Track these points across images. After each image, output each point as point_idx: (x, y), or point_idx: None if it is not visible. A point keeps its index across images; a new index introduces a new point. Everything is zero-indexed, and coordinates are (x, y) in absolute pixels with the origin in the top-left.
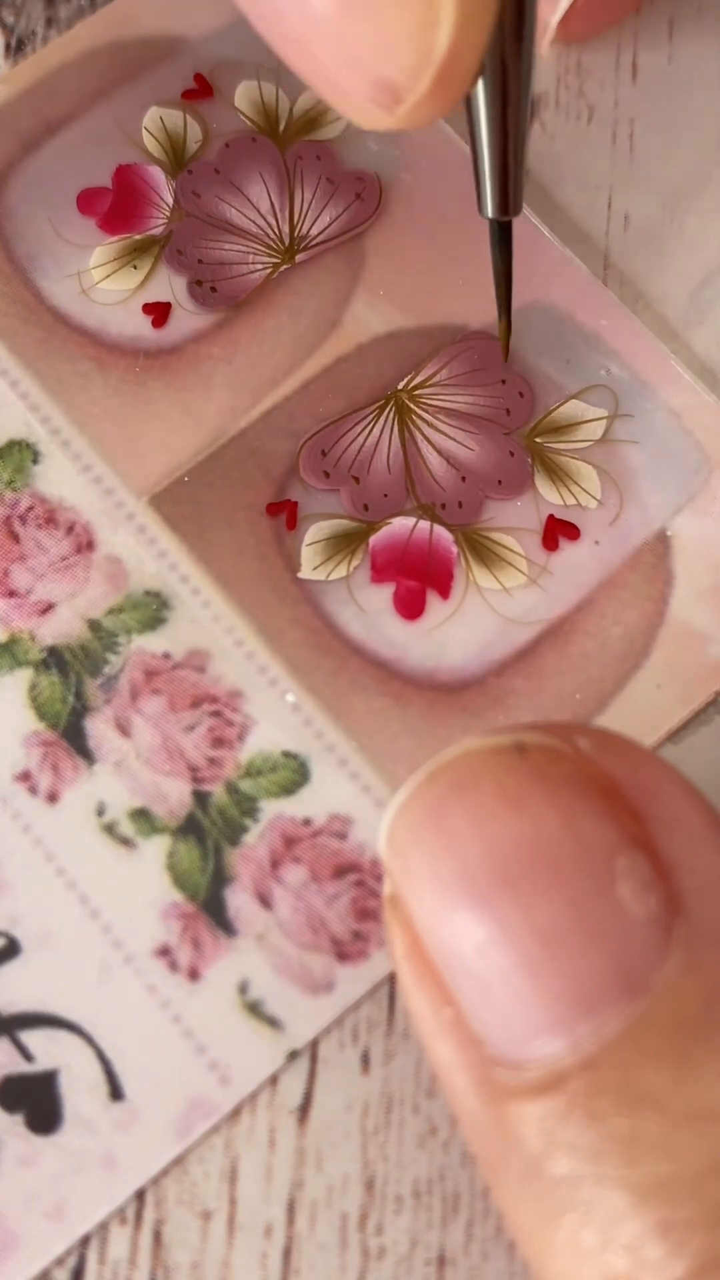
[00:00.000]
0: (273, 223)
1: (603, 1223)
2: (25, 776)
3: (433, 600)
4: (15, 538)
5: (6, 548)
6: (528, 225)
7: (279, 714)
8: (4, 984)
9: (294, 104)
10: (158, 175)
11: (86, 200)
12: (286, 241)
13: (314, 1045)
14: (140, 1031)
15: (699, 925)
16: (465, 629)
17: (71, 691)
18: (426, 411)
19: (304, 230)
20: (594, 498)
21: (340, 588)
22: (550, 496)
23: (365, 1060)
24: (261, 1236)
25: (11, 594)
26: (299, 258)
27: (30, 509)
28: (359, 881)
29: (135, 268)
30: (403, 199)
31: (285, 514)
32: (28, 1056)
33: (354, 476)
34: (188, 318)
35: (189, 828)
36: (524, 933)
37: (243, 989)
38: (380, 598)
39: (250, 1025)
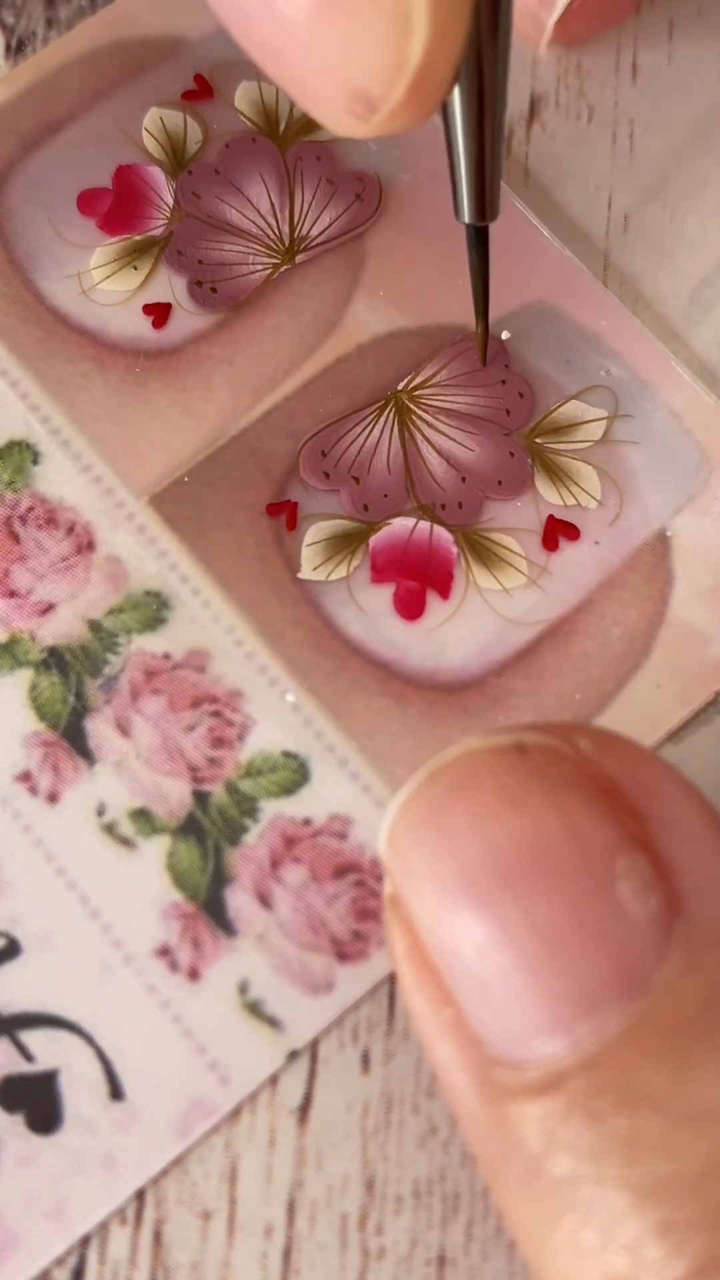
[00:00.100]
0: (273, 223)
1: (603, 1223)
2: (25, 777)
3: (433, 601)
4: (15, 538)
5: (7, 548)
6: (528, 225)
7: (279, 714)
8: (4, 984)
9: (294, 105)
10: (158, 176)
11: (87, 201)
12: (286, 242)
13: (314, 1045)
14: (140, 1031)
15: (699, 925)
16: (465, 629)
17: (72, 692)
18: (426, 412)
19: (304, 231)
20: (594, 498)
21: (340, 588)
22: (550, 497)
23: (365, 1060)
24: (261, 1236)
25: (12, 594)
26: (299, 258)
27: (30, 509)
28: (359, 881)
29: (135, 268)
30: (403, 199)
31: (285, 514)
32: (28, 1056)
33: (354, 477)
34: (188, 318)
35: (189, 828)
36: (524, 933)
37: (243, 989)
38: (380, 598)
39: (250, 1025)
